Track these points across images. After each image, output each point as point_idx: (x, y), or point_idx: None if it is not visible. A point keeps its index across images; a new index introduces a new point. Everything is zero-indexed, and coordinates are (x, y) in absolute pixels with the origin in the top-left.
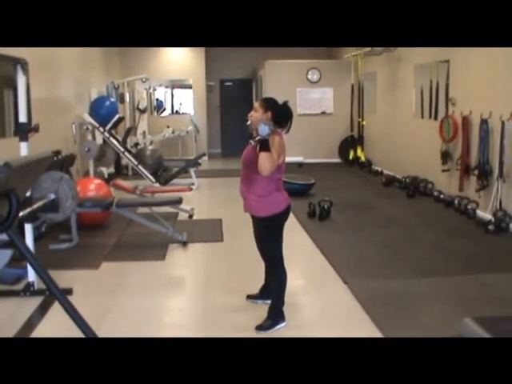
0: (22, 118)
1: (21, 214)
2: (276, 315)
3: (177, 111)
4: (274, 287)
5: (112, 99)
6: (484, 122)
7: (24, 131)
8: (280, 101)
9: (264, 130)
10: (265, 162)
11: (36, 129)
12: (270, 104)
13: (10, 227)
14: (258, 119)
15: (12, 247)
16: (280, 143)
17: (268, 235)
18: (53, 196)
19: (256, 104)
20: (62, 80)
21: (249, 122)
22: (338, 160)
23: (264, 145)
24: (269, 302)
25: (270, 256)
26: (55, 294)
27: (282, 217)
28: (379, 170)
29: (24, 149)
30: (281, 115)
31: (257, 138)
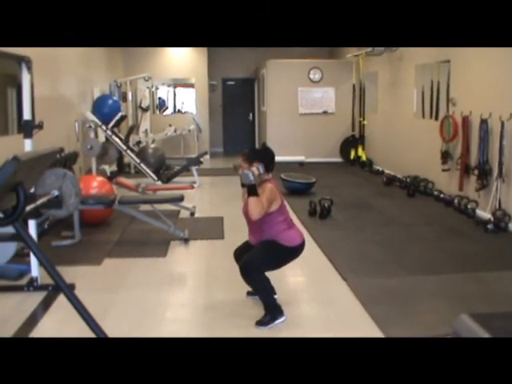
0: (27, 116)
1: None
2: (273, 310)
3: (179, 110)
4: (257, 292)
5: (115, 98)
6: (484, 122)
7: (29, 128)
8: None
9: (247, 177)
10: (253, 206)
11: (40, 126)
12: (252, 156)
13: (18, 220)
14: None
15: (16, 240)
16: (272, 190)
17: (268, 256)
18: (56, 192)
19: (240, 161)
20: (65, 78)
21: (239, 172)
22: (339, 159)
23: (251, 190)
24: None
25: (252, 267)
26: (60, 286)
27: (295, 252)
28: (380, 169)
29: (28, 146)
30: (267, 161)
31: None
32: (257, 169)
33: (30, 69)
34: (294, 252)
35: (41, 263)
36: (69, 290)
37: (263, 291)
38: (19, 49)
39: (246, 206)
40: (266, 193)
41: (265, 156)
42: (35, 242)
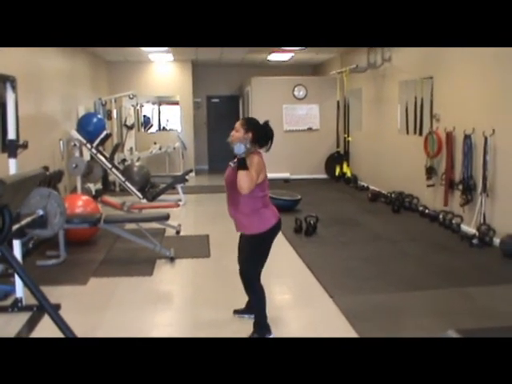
0: (11, 135)
1: None
2: (262, 328)
3: (164, 127)
4: (254, 303)
5: (99, 116)
6: (467, 137)
7: (13, 148)
8: (263, 118)
9: (239, 148)
10: (243, 180)
11: (25, 146)
12: (251, 124)
13: (3, 243)
14: (239, 139)
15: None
16: (259, 162)
17: (256, 252)
18: (41, 212)
19: (237, 124)
20: (49, 97)
21: (229, 139)
22: (324, 176)
23: (241, 163)
24: None
25: (250, 273)
26: (47, 309)
27: (272, 232)
28: (365, 185)
29: (13, 165)
30: (262, 136)
31: (235, 159)
32: (245, 138)
33: (14, 88)
34: (272, 232)
35: (27, 286)
36: (54, 311)
37: (259, 304)
38: (3, 68)
39: (229, 174)
40: (254, 165)
41: (262, 129)
42: (21, 264)
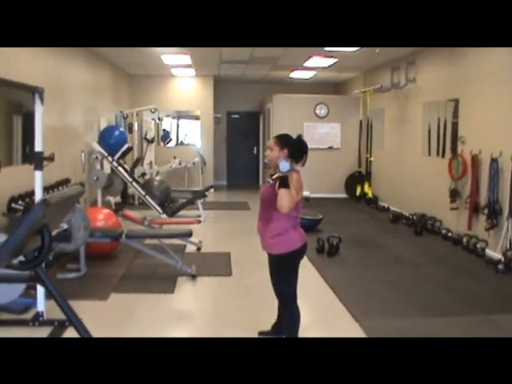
0: (38, 147)
1: None
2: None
3: (182, 142)
4: (286, 325)
5: (121, 129)
6: (494, 161)
7: (39, 160)
8: (291, 134)
9: (285, 166)
10: (285, 198)
11: (51, 158)
12: (285, 141)
13: (42, 262)
14: (276, 157)
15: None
16: (298, 180)
17: (282, 273)
18: (65, 226)
19: (271, 142)
20: (72, 109)
21: (266, 160)
22: (343, 195)
23: (284, 181)
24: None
25: (283, 294)
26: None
27: (297, 255)
28: (385, 206)
29: (39, 178)
30: (297, 150)
31: (276, 175)
32: (284, 155)
33: (42, 100)
34: (297, 255)
35: (63, 310)
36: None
37: (291, 327)
38: (29, 79)
39: (266, 190)
40: (293, 183)
41: (297, 144)
42: (56, 287)
